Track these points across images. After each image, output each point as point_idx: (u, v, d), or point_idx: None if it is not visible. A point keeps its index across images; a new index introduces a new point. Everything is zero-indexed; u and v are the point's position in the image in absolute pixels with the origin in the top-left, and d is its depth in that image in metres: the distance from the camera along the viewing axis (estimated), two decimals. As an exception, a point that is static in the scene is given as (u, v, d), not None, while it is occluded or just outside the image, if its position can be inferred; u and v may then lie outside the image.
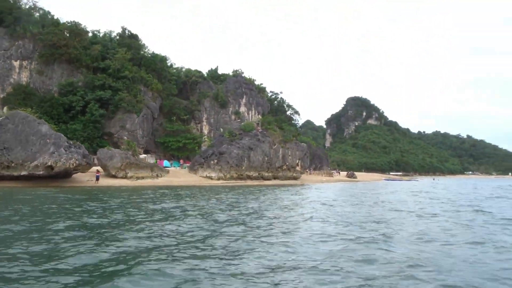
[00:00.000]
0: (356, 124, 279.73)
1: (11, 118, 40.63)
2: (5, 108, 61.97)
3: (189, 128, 72.30)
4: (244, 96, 78.82)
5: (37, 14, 66.24)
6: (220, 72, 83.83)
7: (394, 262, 9.77)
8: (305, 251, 10.91)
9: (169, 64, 78.35)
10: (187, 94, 76.30)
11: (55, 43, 62.91)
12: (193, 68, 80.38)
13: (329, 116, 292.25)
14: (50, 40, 62.53)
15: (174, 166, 62.30)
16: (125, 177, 46.87)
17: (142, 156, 53.37)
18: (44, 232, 12.82)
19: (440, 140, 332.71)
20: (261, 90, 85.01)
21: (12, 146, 38.76)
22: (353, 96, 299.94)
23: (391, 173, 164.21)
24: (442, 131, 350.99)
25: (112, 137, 63.76)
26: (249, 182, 51.73)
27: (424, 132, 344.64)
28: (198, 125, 74.89)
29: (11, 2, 64.01)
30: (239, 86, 78.98)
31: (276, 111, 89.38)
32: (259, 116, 78.46)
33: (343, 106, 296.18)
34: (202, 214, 18.55)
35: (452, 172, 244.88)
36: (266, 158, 55.40)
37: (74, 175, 43.84)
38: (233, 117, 76.37)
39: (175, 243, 11.40)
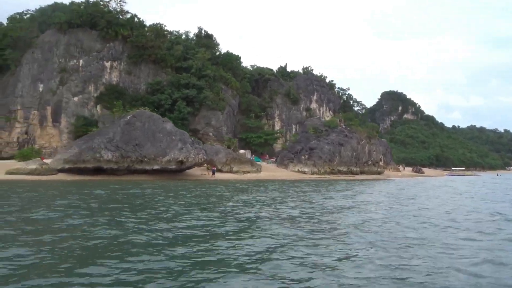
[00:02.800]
0: (392, 118, 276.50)
1: (138, 117, 43.88)
2: (98, 106, 66.05)
3: (262, 124, 74.88)
4: (315, 93, 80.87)
5: (125, 17, 69.62)
6: (289, 69, 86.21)
7: None
8: None
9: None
10: (259, 92, 78.85)
11: (143, 44, 66.37)
12: (260, 66, 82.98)
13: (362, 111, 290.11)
14: (139, 42, 65.99)
15: (257, 161, 64.91)
16: (230, 171, 49.66)
17: (241, 151, 56.11)
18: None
19: (476, 135, 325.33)
20: (331, 86, 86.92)
21: (142, 142, 41.94)
22: (388, 90, 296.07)
23: (453, 168, 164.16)
24: (477, 126, 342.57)
25: (197, 133, 66.72)
26: (342, 177, 53.77)
27: (458, 126, 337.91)
28: (269, 122, 77.32)
29: (102, 6, 67.72)
30: (310, 83, 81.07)
31: (344, 107, 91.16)
32: (331, 112, 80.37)
33: (377, 100, 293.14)
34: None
35: (493, 167, 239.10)
36: (354, 154, 57.35)
37: (187, 170, 46.91)
38: (304, 113, 78.51)
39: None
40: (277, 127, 77.25)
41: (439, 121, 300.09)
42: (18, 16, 69.22)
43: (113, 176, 40.39)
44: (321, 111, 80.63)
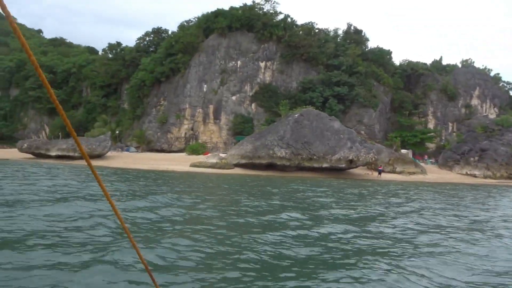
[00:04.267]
0: None
1: (306, 115, 45.00)
2: (253, 105, 70.05)
3: (415, 122, 70.67)
4: (477, 88, 73.26)
5: (278, 18, 72.29)
6: (444, 63, 79.89)
7: None
8: None
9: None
10: (410, 88, 74.57)
11: (296, 44, 68.01)
12: (412, 60, 78.26)
13: None
14: (292, 42, 67.82)
15: (412, 161, 61.48)
16: (393, 171, 47.74)
17: (403, 151, 53.85)
18: None
19: None
20: (496, 80, 77.95)
21: (310, 140, 42.81)
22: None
23: None
24: None
25: (348, 131, 66.11)
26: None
27: None
28: (421, 119, 72.51)
29: (257, 9, 71.41)
30: (471, 76, 73.72)
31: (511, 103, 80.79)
32: (495, 109, 72.09)
33: None
34: None
35: None
36: (536, 157, 50.23)
37: (351, 169, 46.47)
38: (463, 110, 71.80)
39: None
40: (431, 125, 72.02)
41: None
42: (185, 23, 77.20)
43: (282, 172, 42.21)
44: (484, 108, 72.46)
